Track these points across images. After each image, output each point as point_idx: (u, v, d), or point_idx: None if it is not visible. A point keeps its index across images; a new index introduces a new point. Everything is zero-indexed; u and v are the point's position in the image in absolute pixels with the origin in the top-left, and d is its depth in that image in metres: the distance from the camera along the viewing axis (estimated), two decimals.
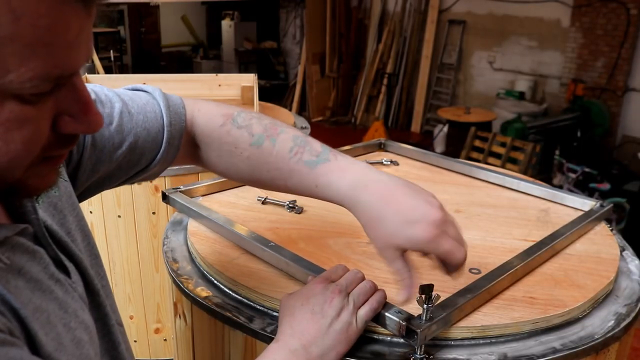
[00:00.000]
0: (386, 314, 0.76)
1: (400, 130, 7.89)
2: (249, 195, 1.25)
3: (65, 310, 0.59)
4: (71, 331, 0.59)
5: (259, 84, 2.31)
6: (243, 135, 0.81)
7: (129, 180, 0.85)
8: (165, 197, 1.19)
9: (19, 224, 0.58)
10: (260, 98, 2.24)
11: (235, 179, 0.89)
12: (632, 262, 1.04)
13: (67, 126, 0.52)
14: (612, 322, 0.85)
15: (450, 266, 0.74)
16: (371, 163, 1.48)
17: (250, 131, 0.81)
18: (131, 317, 1.94)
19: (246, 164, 0.81)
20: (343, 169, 0.76)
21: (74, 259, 0.66)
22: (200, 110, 0.85)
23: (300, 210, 1.16)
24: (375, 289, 0.78)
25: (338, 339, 0.72)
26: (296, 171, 0.78)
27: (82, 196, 0.80)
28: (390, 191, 0.73)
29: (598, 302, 0.89)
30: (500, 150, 5.34)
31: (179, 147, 0.82)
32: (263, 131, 0.81)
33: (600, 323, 0.85)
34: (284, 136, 0.81)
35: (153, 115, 0.80)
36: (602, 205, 1.17)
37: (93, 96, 0.70)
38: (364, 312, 0.75)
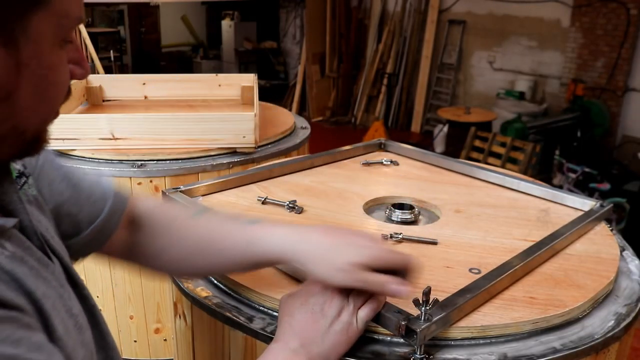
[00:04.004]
0: (386, 314, 0.76)
1: (400, 130, 7.88)
2: (249, 195, 1.25)
3: (63, 297, 0.60)
4: (73, 317, 0.60)
5: (259, 84, 2.31)
6: (182, 211, 0.85)
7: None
8: (165, 197, 1.19)
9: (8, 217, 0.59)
10: (260, 98, 2.24)
11: (174, 258, 0.85)
12: (632, 262, 1.04)
13: (75, 72, 0.60)
14: (612, 322, 0.85)
15: (404, 274, 0.74)
16: (371, 163, 1.48)
17: (191, 207, 0.87)
18: (131, 317, 1.94)
19: (182, 237, 0.83)
20: (277, 224, 0.80)
21: (56, 253, 0.67)
22: (142, 198, 0.87)
23: (300, 210, 1.16)
24: None
25: (338, 340, 0.72)
26: (229, 234, 0.80)
27: None
28: (327, 229, 0.77)
29: (598, 302, 0.89)
30: (500, 150, 5.33)
31: (117, 225, 0.81)
32: (202, 208, 0.87)
33: (600, 323, 0.85)
34: (223, 213, 0.87)
35: (99, 187, 0.81)
36: (602, 205, 1.17)
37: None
38: (364, 312, 0.75)
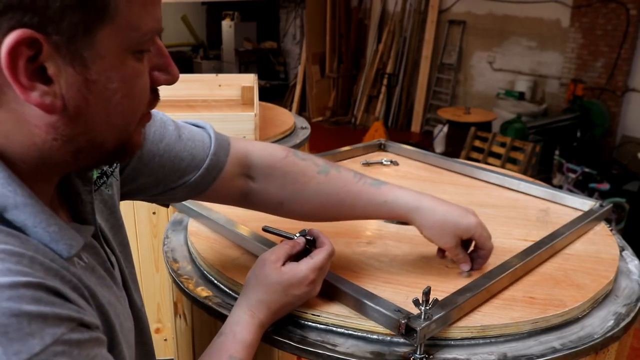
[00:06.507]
0: (386, 313, 0.76)
1: (400, 131, 7.88)
2: None
3: (119, 302, 0.64)
4: (127, 321, 0.64)
5: (259, 84, 2.31)
6: (309, 166, 0.89)
7: (156, 197, 0.86)
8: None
9: (80, 224, 0.61)
10: (260, 98, 2.24)
11: (296, 209, 0.91)
12: (631, 262, 1.05)
13: (159, 78, 0.59)
14: (612, 322, 0.85)
15: (482, 251, 0.91)
16: (371, 163, 1.48)
17: (314, 162, 0.90)
18: None
19: (314, 190, 0.88)
20: (402, 188, 0.91)
21: (115, 254, 0.70)
22: (254, 146, 0.90)
23: None
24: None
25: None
26: (364, 192, 0.89)
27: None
28: (439, 200, 0.90)
29: (597, 302, 0.90)
30: (500, 150, 5.33)
31: (214, 179, 0.85)
32: (325, 162, 0.91)
33: (600, 323, 0.85)
34: (343, 167, 0.93)
35: (201, 144, 0.84)
36: (601, 205, 1.17)
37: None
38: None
